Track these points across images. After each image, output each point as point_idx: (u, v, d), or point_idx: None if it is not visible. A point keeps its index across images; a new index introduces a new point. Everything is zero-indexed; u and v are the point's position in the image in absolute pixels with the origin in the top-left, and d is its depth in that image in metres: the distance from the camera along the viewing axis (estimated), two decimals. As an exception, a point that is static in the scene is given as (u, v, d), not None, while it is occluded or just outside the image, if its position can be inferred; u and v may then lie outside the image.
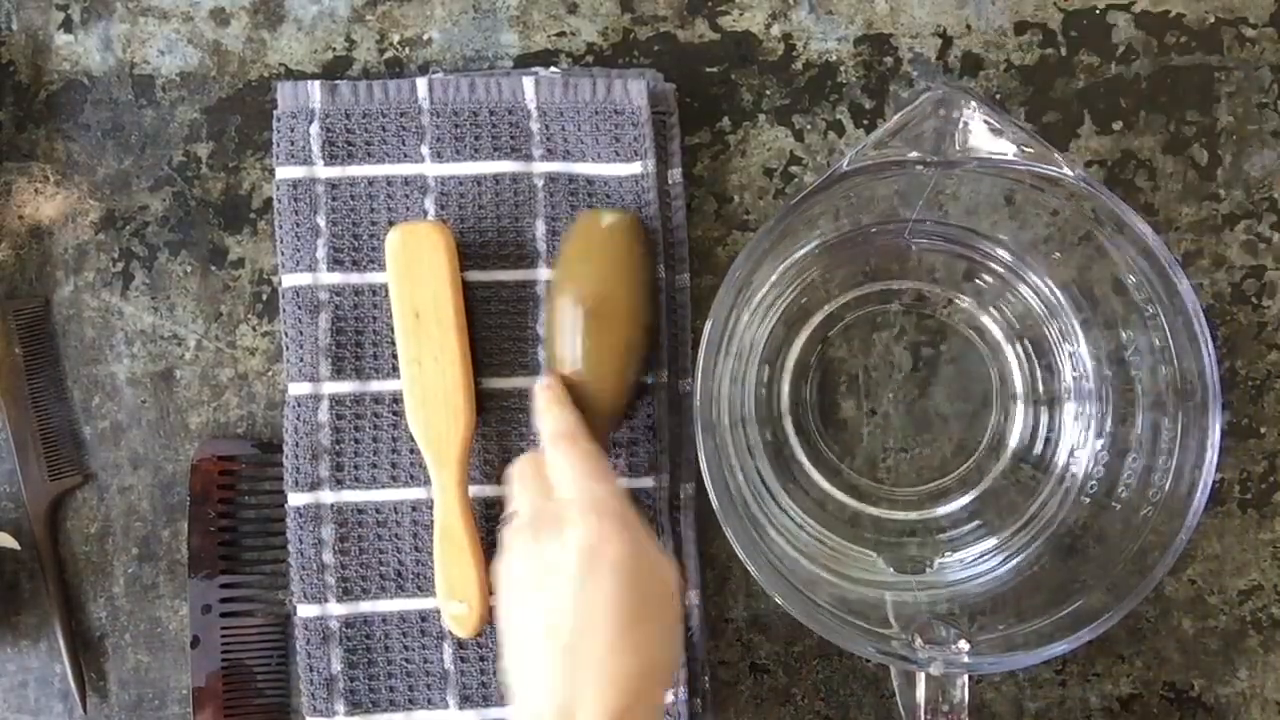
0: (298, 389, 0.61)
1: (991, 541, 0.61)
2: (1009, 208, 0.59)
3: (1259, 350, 0.65)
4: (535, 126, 0.62)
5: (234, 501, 0.62)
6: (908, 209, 0.60)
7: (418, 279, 0.59)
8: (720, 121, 0.64)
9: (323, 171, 0.61)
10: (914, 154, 0.54)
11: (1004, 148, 0.54)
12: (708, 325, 0.56)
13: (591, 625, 0.48)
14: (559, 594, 0.49)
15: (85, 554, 0.62)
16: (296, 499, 0.60)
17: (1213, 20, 0.65)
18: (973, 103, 0.54)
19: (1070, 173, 0.54)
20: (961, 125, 0.53)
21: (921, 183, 0.58)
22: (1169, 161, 0.65)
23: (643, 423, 0.61)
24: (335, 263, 0.61)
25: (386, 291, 0.60)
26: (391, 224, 0.60)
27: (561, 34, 0.64)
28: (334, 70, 0.63)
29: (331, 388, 0.61)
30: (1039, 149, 0.54)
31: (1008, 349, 0.63)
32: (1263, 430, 0.65)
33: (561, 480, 0.53)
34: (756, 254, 0.56)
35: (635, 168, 0.61)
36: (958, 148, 0.54)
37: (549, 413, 0.56)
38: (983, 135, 0.54)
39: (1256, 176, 0.65)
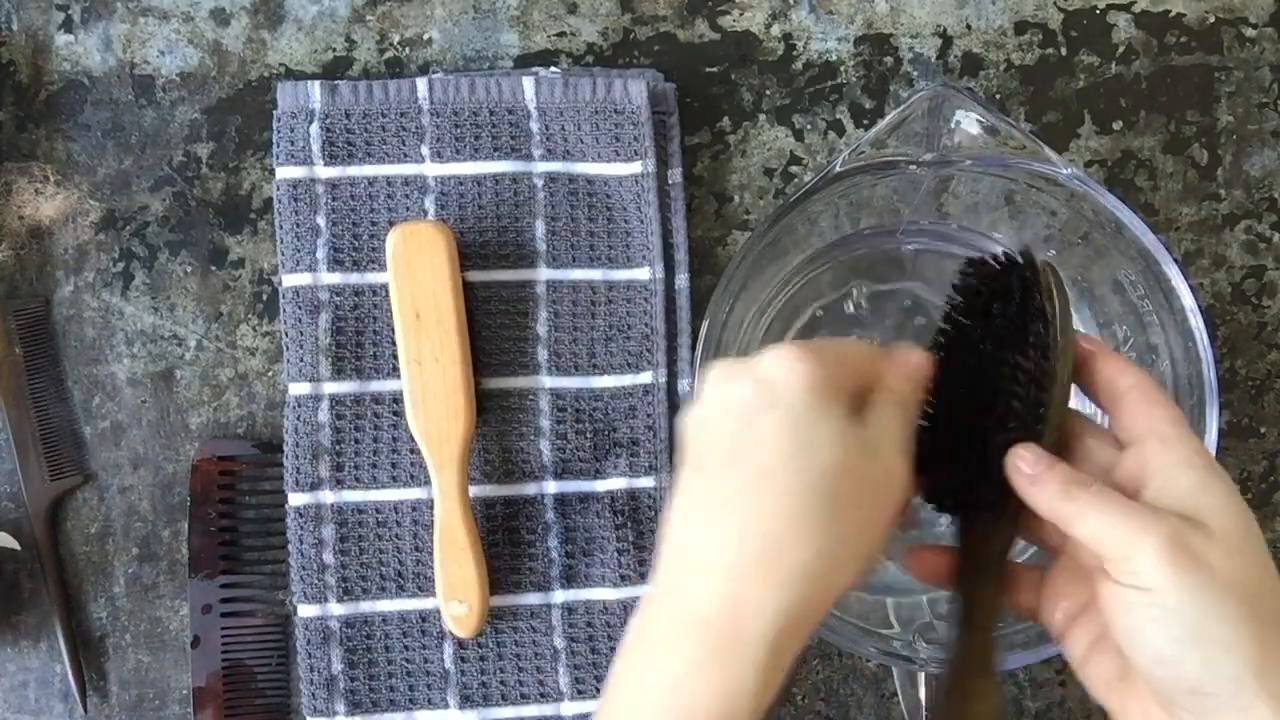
0: (298, 389, 0.61)
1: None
2: (1008, 207, 0.59)
3: (1259, 350, 0.65)
4: (535, 126, 0.62)
5: (234, 501, 0.62)
6: (906, 208, 0.60)
7: (418, 279, 0.59)
8: (720, 121, 0.64)
9: (323, 171, 0.61)
10: (908, 153, 0.54)
11: (997, 146, 0.54)
12: (704, 325, 0.56)
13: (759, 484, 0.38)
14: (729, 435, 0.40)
15: (85, 554, 0.62)
16: (297, 499, 0.60)
17: (1213, 20, 0.65)
18: (966, 102, 0.54)
19: (1064, 171, 0.54)
20: (955, 124, 0.54)
21: (917, 182, 0.58)
22: (1169, 161, 0.65)
23: (643, 423, 0.62)
24: (335, 263, 0.61)
25: (386, 291, 0.60)
26: (391, 224, 0.60)
27: (561, 34, 0.64)
28: (334, 70, 0.63)
29: (332, 388, 0.61)
30: (1032, 147, 0.54)
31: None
32: (1263, 430, 0.65)
33: None
34: (752, 255, 0.56)
35: (635, 167, 0.61)
36: (951, 146, 0.54)
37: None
38: (976, 134, 0.54)
39: (1256, 176, 0.65)
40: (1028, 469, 0.41)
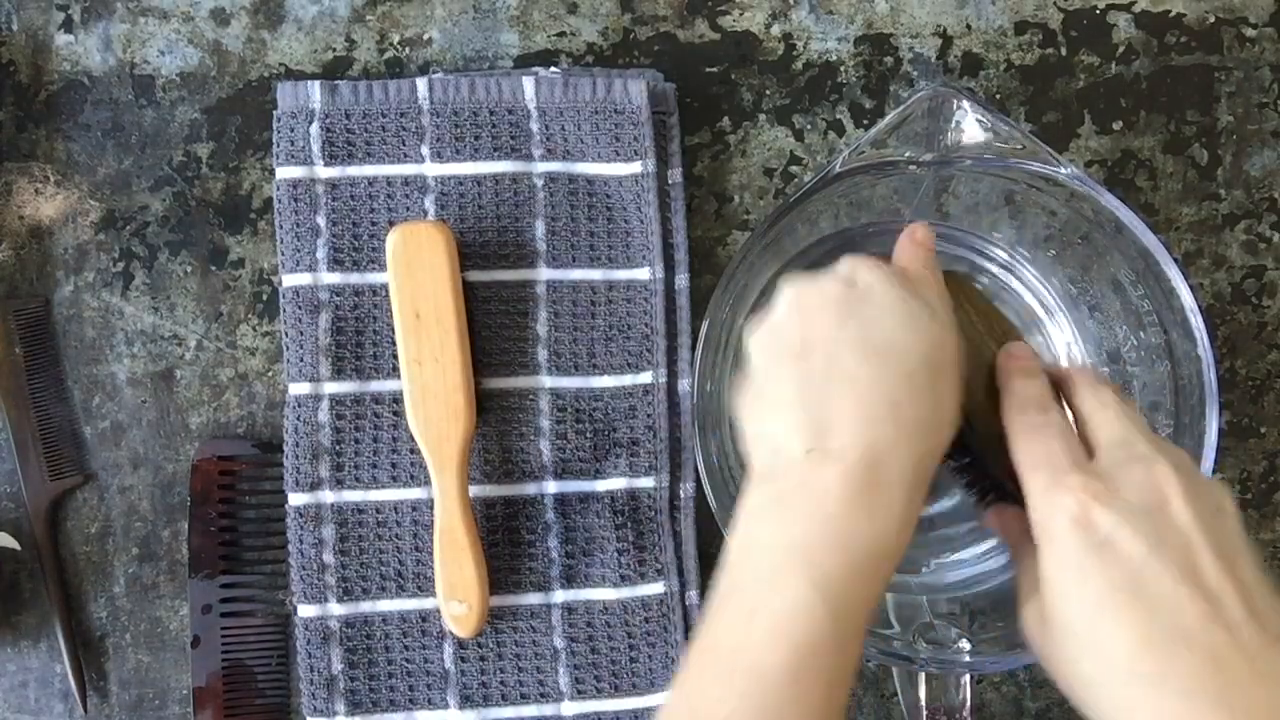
0: (298, 389, 0.61)
1: (991, 541, 0.61)
2: (1008, 207, 0.59)
3: (1259, 350, 0.65)
4: (535, 126, 0.62)
5: (234, 501, 0.62)
6: (906, 208, 0.60)
7: (418, 279, 0.59)
8: (720, 121, 0.64)
9: (323, 171, 0.61)
10: (907, 153, 0.54)
11: (995, 146, 0.54)
12: (704, 325, 0.56)
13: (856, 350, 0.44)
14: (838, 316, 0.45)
15: (85, 554, 0.62)
16: (296, 499, 0.60)
17: (1213, 20, 0.65)
18: (965, 102, 0.54)
19: (1064, 171, 0.54)
20: (954, 124, 0.54)
21: (917, 182, 0.58)
22: (1169, 161, 0.65)
23: (643, 423, 0.62)
24: (335, 263, 0.61)
25: (386, 291, 0.60)
26: (391, 224, 0.60)
27: (561, 34, 0.64)
28: (334, 70, 0.63)
29: (332, 388, 0.61)
30: (1032, 147, 0.54)
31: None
32: (1263, 430, 0.65)
33: None
34: (752, 255, 0.56)
35: (635, 167, 0.61)
36: (950, 146, 0.54)
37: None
38: (974, 134, 0.54)
39: (1256, 176, 0.65)
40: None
